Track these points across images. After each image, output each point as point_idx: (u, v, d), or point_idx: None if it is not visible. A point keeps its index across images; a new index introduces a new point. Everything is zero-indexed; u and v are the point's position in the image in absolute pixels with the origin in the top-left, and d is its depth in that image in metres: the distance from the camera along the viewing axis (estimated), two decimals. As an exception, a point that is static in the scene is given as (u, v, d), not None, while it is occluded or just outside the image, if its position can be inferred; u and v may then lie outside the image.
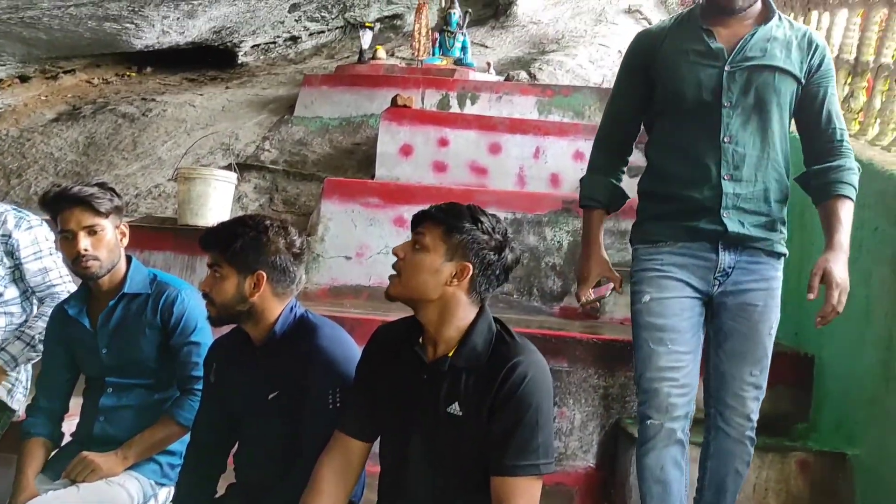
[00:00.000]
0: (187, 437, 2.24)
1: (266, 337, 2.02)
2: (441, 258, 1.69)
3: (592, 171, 2.28)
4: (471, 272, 1.69)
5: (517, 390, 1.65)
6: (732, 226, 2.03)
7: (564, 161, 4.80)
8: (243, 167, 5.16)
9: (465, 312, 1.71)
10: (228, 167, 4.98)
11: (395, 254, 1.75)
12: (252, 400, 2.05)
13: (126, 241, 2.34)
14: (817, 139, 2.11)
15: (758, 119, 2.05)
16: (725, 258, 2.05)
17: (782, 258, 2.12)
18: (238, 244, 1.93)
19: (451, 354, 1.71)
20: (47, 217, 2.38)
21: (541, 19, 7.90)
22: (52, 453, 2.33)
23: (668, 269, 2.06)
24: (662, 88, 2.12)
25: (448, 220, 1.70)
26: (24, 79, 6.74)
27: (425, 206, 1.80)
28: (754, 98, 2.04)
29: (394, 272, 1.74)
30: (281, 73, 7.16)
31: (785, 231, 2.12)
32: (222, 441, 2.16)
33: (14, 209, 2.53)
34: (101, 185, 2.30)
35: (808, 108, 2.11)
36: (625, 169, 2.28)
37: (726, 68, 2.04)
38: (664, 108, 2.14)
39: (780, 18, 2.10)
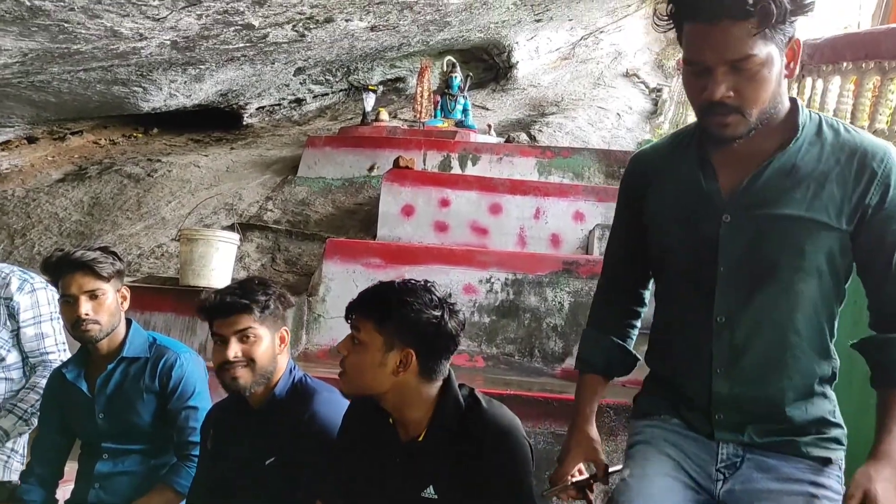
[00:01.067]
0: (183, 505, 2.21)
1: (266, 400, 2.02)
2: (380, 351, 1.62)
3: (591, 326, 1.75)
4: (414, 357, 1.63)
5: (496, 472, 1.61)
6: (724, 434, 1.48)
7: (565, 221, 4.83)
8: (246, 227, 5.19)
9: (424, 393, 1.67)
10: (231, 227, 5.02)
11: (338, 350, 1.71)
12: (249, 466, 2.03)
13: (127, 304, 2.35)
14: (885, 298, 1.45)
15: (773, 290, 1.43)
16: (726, 449, 1.49)
17: (833, 464, 1.46)
18: (266, 301, 1.97)
19: (420, 438, 1.68)
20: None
21: (540, 82, 8.07)
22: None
23: (658, 442, 1.55)
24: (650, 241, 1.61)
25: (376, 311, 1.63)
26: (31, 140, 6.85)
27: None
28: (765, 261, 1.43)
29: (341, 369, 1.69)
30: (285, 134, 7.28)
31: (834, 428, 1.48)
32: (215, 506, 2.13)
33: (20, 271, 2.54)
34: (104, 250, 2.32)
35: (870, 255, 1.44)
36: (636, 323, 1.73)
37: (724, 219, 1.44)
38: (656, 265, 1.63)
39: (818, 131, 1.45)
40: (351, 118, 7.43)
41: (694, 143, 1.54)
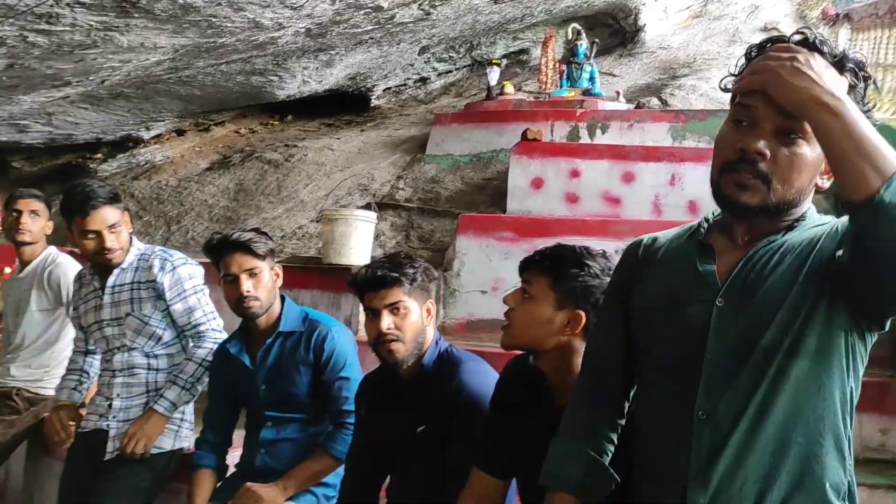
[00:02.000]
0: (341, 470, 2.33)
1: (415, 370, 2.08)
2: (551, 308, 1.63)
3: (563, 436, 1.46)
4: (584, 320, 1.62)
5: None
6: None
7: (703, 188, 4.63)
8: (380, 206, 5.34)
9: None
10: (366, 207, 5.18)
11: (505, 302, 1.71)
12: (401, 434, 2.10)
13: (280, 281, 2.49)
14: None
15: (770, 383, 1.19)
16: None
17: None
18: (414, 274, 2.03)
19: None
20: (204, 260, 2.56)
21: (670, 44, 7.75)
22: (219, 483, 2.48)
23: None
24: (635, 332, 1.40)
25: (554, 269, 1.64)
26: (180, 132, 7.32)
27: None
28: (762, 350, 1.20)
29: (505, 321, 1.70)
30: (412, 114, 7.39)
31: None
32: (375, 474, 2.23)
33: (161, 251, 2.70)
34: (257, 231, 2.46)
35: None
36: (615, 439, 1.45)
37: (718, 302, 1.25)
38: (640, 359, 1.40)
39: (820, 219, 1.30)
40: (475, 94, 7.44)
41: (697, 230, 1.37)
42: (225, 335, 2.64)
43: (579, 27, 6.46)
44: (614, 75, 7.42)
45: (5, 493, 3.79)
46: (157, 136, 7.22)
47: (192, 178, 6.63)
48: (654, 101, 6.44)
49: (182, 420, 2.66)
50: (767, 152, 1.18)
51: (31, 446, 3.33)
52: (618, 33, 7.99)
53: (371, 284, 2.01)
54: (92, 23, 2.77)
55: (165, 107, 6.21)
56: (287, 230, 5.55)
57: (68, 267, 3.19)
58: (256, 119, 7.65)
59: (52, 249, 3.30)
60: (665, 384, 1.30)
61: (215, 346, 2.61)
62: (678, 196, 4.65)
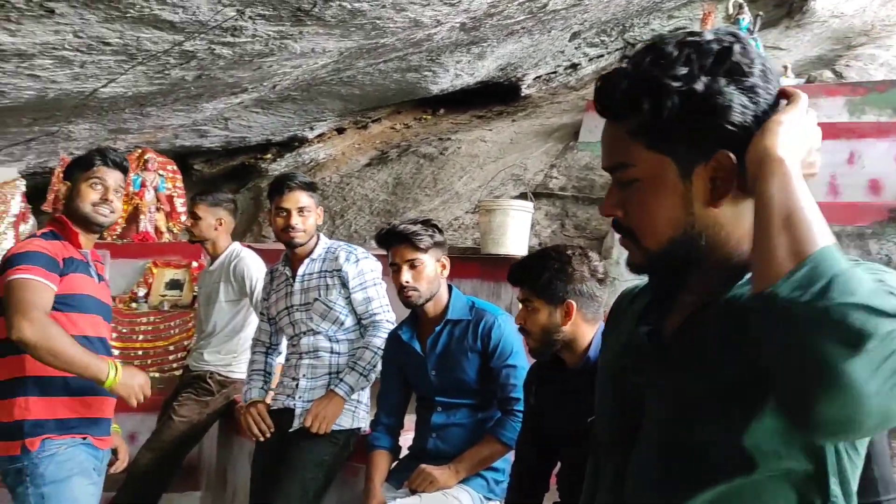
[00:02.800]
0: (509, 455, 2.38)
1: (581, 362, 2.08)
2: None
3: None
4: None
5: None
6: None
7: (886, 165, 4.29)
8: (534, 195, 5.35)
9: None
10: (520, 196, 5.21)
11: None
12: (570, 423, 2.10)
13: (447, 272, 2.57)
14: None
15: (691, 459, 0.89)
16: None
17: None
18: (545, 277, 2.02)
19: None
20: (379, 252, 2.70)
21: (843, 11, 7.18)
22: (394, 464, 2.61)
23: None
24: None
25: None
26: (340, 130, 7.68)
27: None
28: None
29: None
30: (563, 101, 7.33)
31: None
32: (545, 461, 2.25)
33: (345, 245, 2.90)
34: (425, 223, 2.55)
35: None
36: None
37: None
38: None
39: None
40: (629, 77, 7.25)
41: None
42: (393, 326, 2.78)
43: (741, 0, 6.13)
44: (780, 49, 6.97)
45: (201, 467, 4.18)
46: (320, 135, 7.62)
47: (352, 174, 6.94)
48: (827, 74, 6.00)
49: (358, 402, 2.82)
50: (617, 211, 0.96)
51: (224, 425, 3.65)
52: (783, 4, 7.50)
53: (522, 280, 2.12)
54: (270, 33, 2.98)
55: (327, 107, 6.55)
56: (443, 221, 5.69)
57: (251, 260, 3.45)
58: (410, 114, 7.88)
59: (237, 245, 3.58)
60: (606, 467, 1.06)
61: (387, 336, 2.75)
62: (857, 175, 4.33)
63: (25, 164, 5.44)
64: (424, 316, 2.56)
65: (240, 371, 3.46)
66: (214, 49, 3.03)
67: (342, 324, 2.82)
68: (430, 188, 6.25)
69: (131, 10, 2.43)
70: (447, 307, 2.54)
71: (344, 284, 2.79)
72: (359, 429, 2.82)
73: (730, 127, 0.86)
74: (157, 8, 2.46)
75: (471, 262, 4.10)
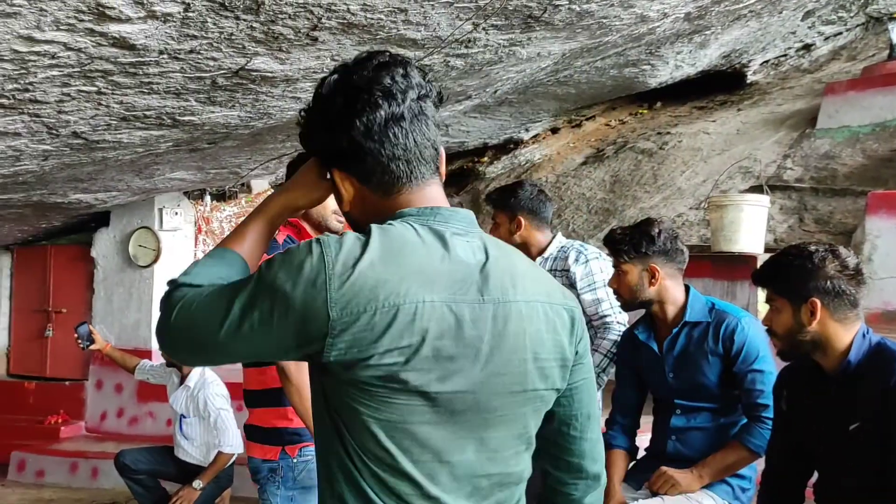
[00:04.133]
0: (755, 462, 2.28)
1: (839, 366, 1.95)
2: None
3: None
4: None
5: None
6: None
7: None
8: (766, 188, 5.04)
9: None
10: (752, 190, 4.93)
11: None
12: (829, 430, 1.99)
13: (657, 280, 2.43)
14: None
15: None
16: None
17: None
18: (786, 275, 1.97)
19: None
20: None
21: None
22: (631, 464, 2.60)
23: None
24: None
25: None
26: (554, 130, 7.73)
27: None
28: None
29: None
30: (795, 86, 6.82)
31: None
32: (800, 471, 2.14)
33: (579, 245, 2.90)
34: (636, 230, 2.48)
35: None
36: None
37: None
38: None
39: None
40: (873, 55, 6.58)
41: None
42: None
43: None
44: None
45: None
46: (535, 136, 7.71)
47: (568, 174, 6.95)
48: None
49: None
50: None
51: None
52: None
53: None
54: (501, 41, 3.08)
55: (542, 108, 6.61)
56: (665, 219, 5.54)
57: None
58: (626, 110, 7.73)
59: None
60: None
61: (619, 339, 2.74)
62: None
63: (275, 176, 6.06)
64: (662, 316, 2.52)
65: None
66: (449, 62, 3.20)
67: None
68: (649, 184, 6.11)
69: (381, 33, 2.64)
70: (684, 308, 2.48)
71: (572, 285, 2.81)
72: None
73: None
74: (402, 28, 2.65)
75: (701, 261, 3.96)
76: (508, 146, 7.79)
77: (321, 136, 1.10)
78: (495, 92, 5.13)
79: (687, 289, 2.53)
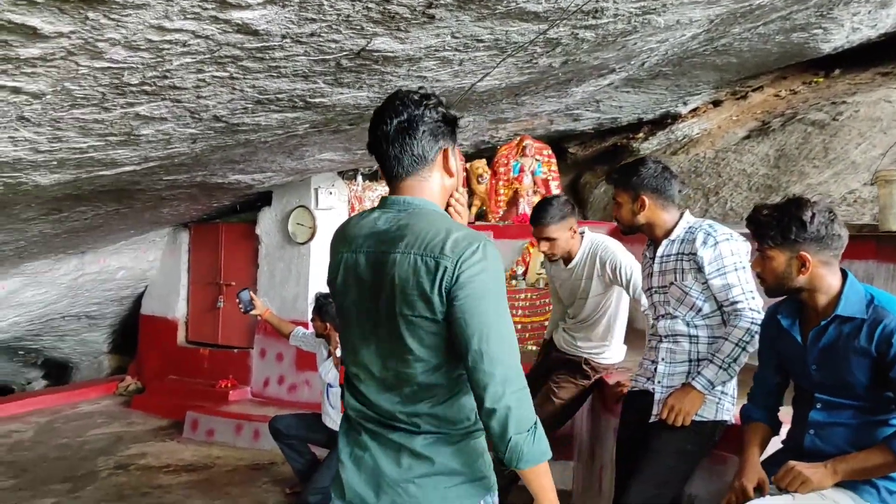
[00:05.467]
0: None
1: None
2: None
3: None
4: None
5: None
6: None
7: None
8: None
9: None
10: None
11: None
12: None
13: (807, 269, 2.20)
14: None
15: None
16: None
17: None
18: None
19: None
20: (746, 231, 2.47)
21: None
22: (762, 458, 2.40)
23: None
24: None
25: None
26: (716, 103, 7.27)
27: None
28: None
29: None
30: None
31: None
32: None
33: (707, 226, 2.66)
34: (783, 215, 2.22)
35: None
36: None
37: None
38: None
39: None
40: None
41: None
42: (762, 316, 2.53)
43: None
44: None
45: (573, 439, 4.36)
46: (694, 109, 7.30)
47: (728, 149, 6.53)
48: None
49: (723, 394, 2.65)
50: None
51: (593, 405, 3.76)
52: None
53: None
54: (631, 10, 2.93)
55: (701, 79, 6.24)
56: (835, 196, 5.05)
57: (615, 248, 3.41)
58: (798, 79, 7.13)
59: (588, 234, 3.50)
60: None
61: (752, 326, 2.52)
62: None
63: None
64: (811, 304, 2.28)
65: (612, 358, 3.58)
66: (577, 34, 3.08)
67: (699, 310, 2.65)
68: (819, 159, 5.59)
69: (499, 7, 2.58)
70: (838, 299, 2.21)
71: (699, 269, 2.62)
72: (724, 422, 2.65)
73: None
74: (521, 2, 2.58)
75: (865, 241, 3.57)
76: (665, 121, 7.44)
77: None
78: (643, 64, 4.90)
79: (844, 275, 2.25)
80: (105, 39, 2.11)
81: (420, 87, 1.70)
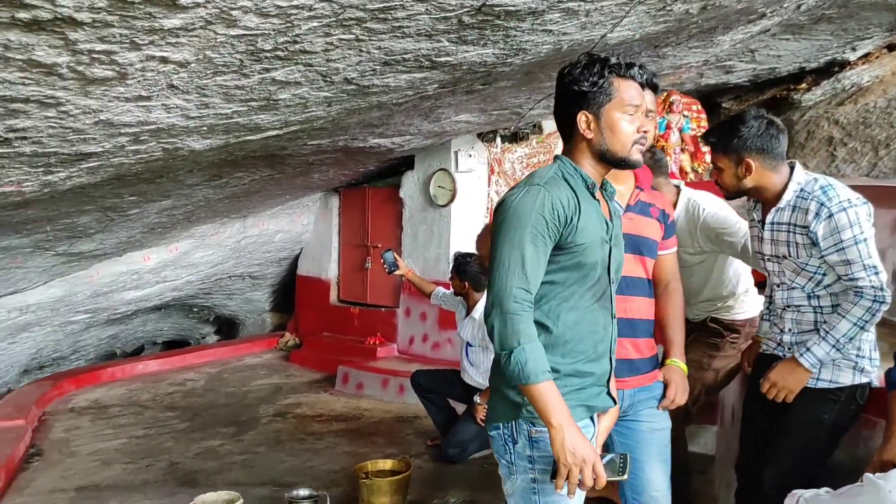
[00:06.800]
0: None
1: None
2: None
3: None
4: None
5: None
6: None
7: None
8: None
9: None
10: None
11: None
12: None
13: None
14: None
15: None
16: None
17: None
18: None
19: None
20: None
21: None
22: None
23: None
24: None
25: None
26: (891, 48, 6.58)
27: None
28: None
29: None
30: None
31: None
32: None
33: (821, 192, 2.35)
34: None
35: None
36: None
37: None
38: None
39: None
40: None
41: None
42: (888, 293, 2.28)
43: None
44: None
45: (717, 404, 4.18)
46: (865, 55, 6.65)
47: (904, 97, 5.91)
48: None
49: (859, 355, 2.42)
50: None
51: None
52: None
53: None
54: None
55: (872, 21, 5.66)
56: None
57: (709, 206, 3.08)
58: None
59: (686, 190, 3.25)
60: None
61: (874, 305, 2.28)
62: None
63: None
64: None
65: (745, 313, 3.31)
66: (714, -27, 2.90)
67: (819, 281, 2.42)
68: None
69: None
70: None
71: (814, 244, 2.35)
72: (865, 384, 2.43)
73: None
74: (647, -58, 2.47)
75: None
76: (831, 69, 6.83)
77: None
78: (799, 7, 4.53)
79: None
80: (238, 7, 2.25)
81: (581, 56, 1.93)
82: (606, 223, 1.94)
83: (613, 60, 1.91)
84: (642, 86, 1.98)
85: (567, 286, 1.87)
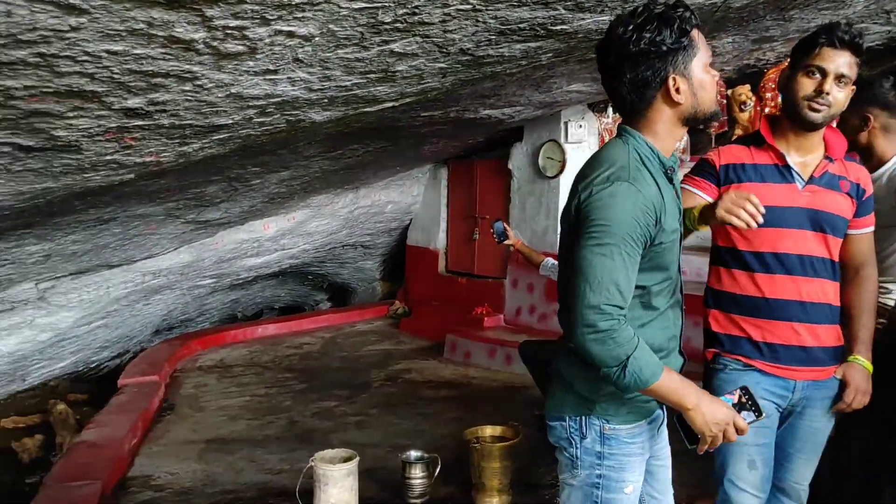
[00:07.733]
0: None
1: None
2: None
3: None
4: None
5: None
6: None
7: None
8: None
9: None
10: None
11: None
12: None
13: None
14: None
15: None
16: None
17: None
18: None
19: None
20: None
21: None
22: None
23: None
24: None
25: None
26: None
27: None
28: None
29: None
30: None
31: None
32: None
33: None
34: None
35: None
36: None
37: None
38: None
39: None
40: None
41: None
42: None
43: None
44: None
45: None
46: None
47: None
48: None
49: None
50: None
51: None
52: None
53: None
54: None
55: None
56: None
57: None
58: None
59: None
60: None
61: None
62: None
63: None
64: None
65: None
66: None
67: None
68: None
69: None
70: None
71: None
72: None
73: None
74: None
75: None
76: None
77: None
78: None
79: None
80: (360, -20, 2.33)
81: (635, 8, 1.67)
82: (678, 209, 1.76)
83: (682, 8, 1.64)
84: (833, 45, 1.93)
85: (646, 290, 1.71)
